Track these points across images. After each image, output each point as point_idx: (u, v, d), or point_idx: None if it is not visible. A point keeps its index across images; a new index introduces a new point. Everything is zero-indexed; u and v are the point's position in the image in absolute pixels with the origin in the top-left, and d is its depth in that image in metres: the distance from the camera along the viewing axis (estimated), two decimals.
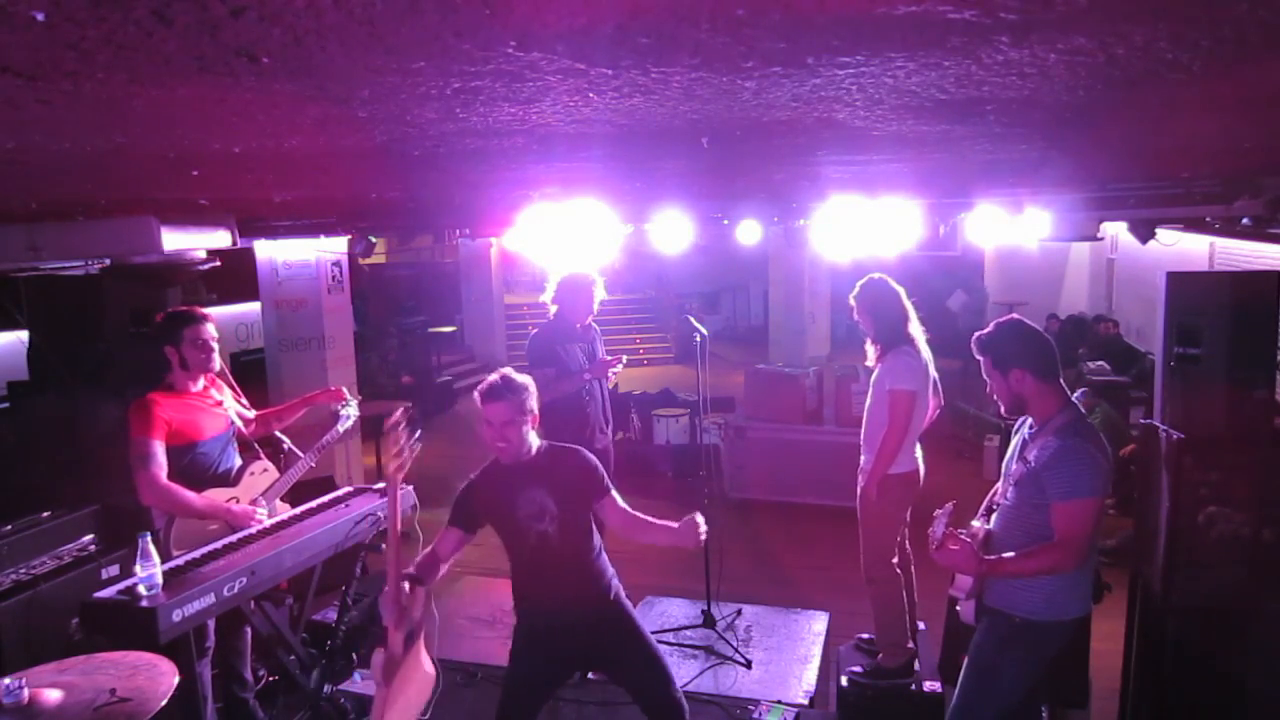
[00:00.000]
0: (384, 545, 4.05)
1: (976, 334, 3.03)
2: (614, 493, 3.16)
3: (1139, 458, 4.12)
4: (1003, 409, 3.06)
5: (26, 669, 2.46)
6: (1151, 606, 3.85)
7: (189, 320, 3.72)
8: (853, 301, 4.23)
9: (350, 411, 4.38)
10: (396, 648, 2.88)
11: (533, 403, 3.04)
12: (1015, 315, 3.10)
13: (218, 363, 3.83)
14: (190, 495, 3.61)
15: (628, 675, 3.20)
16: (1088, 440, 2.81)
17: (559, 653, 3.12)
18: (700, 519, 3.08)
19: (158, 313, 5.39)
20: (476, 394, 3.05)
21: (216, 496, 3.73)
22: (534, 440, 3.10)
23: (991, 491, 3.20)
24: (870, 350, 4.25)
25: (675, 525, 3.11)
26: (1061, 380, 2.98)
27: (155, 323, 3.87)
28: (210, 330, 3.76)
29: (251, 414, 4.05)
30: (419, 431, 2.96)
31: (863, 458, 4.21)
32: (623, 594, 3.23)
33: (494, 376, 3.05)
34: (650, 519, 3.20)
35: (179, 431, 3.64)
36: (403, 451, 2.87)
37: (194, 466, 3.69)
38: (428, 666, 3.08)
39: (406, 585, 2.91)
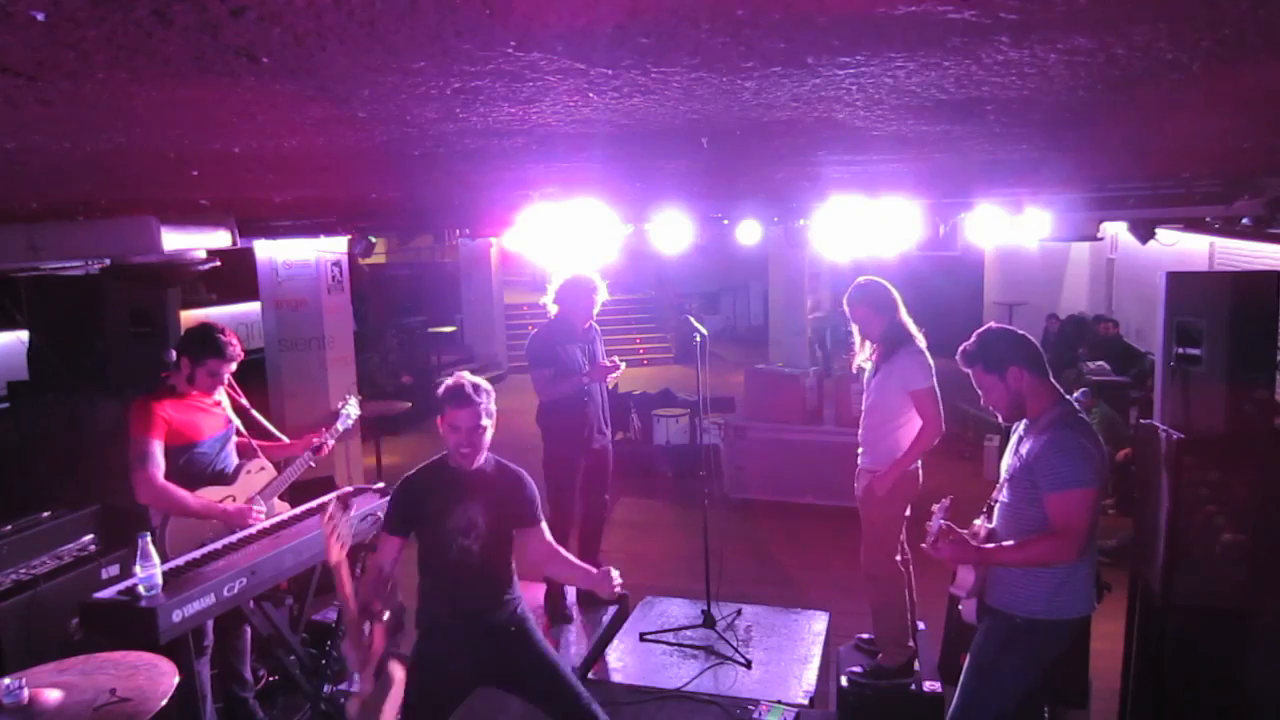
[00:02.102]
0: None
1: (961, 348, 3.04)
2: (543, 524, 3.17)
3: (1139, 458, 4.12)
4: (1001, 417, 3.05)
5: (26, 669, 2.46)
6: (1151, 606, 3.85)
7: (218, 354, 3.68)
8: (847, 306, 4.22)
9: (350, 411, 4.38)
10: (368, 687, 2.87)
11: (494, 407, 3.04)
12: (993, 323, 3.14)
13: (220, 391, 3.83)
14: (185, 495, 3.61)
15: (531, 691, 3.19)
16: (1077, 431, 2.83)
17: (462, 667, 3.09)
18: (615, 573, 3.08)
19: (159, 311, 5.44)
20: (441, 398, 2.99)
21: (213, 495, 3.73)
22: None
23: (995, 490, 3.20)
24: (865, 351, 4.25)
25: (594, 571, 3.15)
26: (1051, 377, 2.99)
27: (190, 328, 3.83)
28: (231, 368, 3.76)
29: (239, 422, 4.03)
30: (350, 513, 2.97)
31: (861, 457, 4.22)
32: (528, 613, 3.22)
33: (457, 380, 3.01)
34: (570, 558, 3.25)
35: (178, 431, 3.64)
36: (340, 535, 2.87)
37: (192, 466, 3.70)
38: (398, 673, 3.08)
39: (365, 627, 2.88)
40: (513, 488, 3.12)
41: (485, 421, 2.98)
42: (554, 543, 3.20)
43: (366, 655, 2.86)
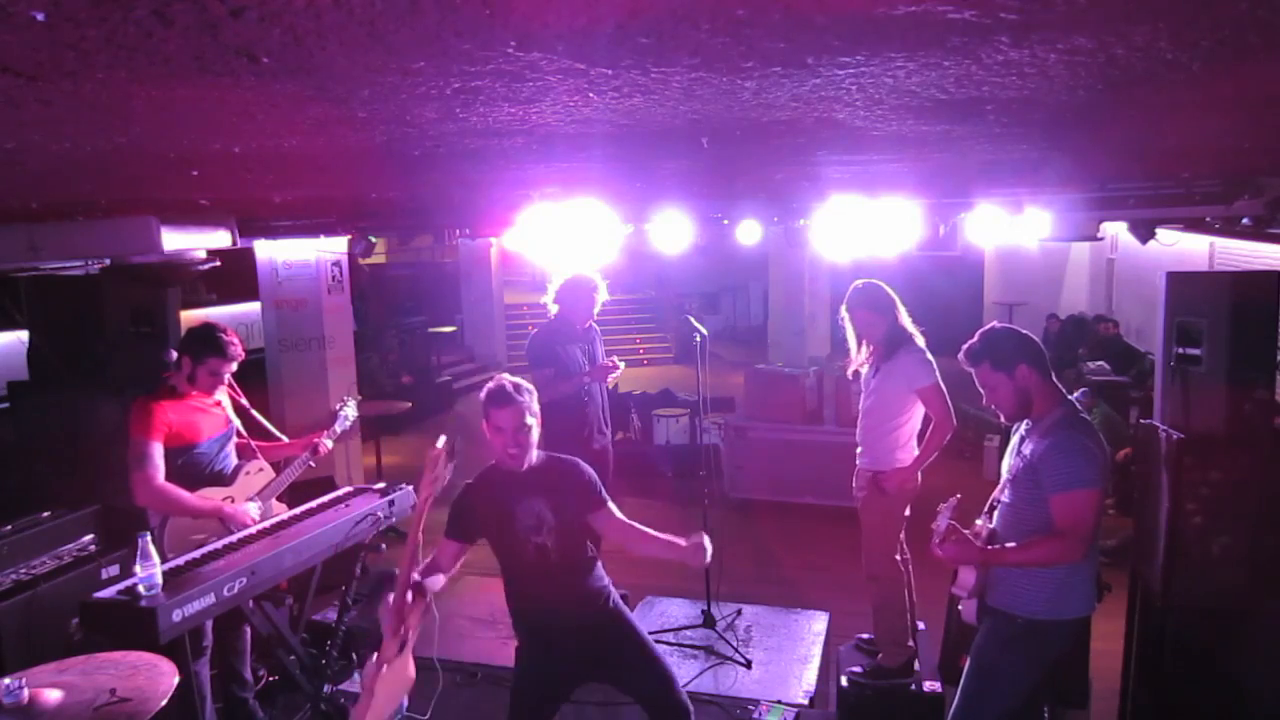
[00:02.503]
0: (384, 546, 4.08)
1: (965, 346, 3.03)
2: (610, 504, 3.11)
3: (1139, 458, 4.12)
4: (1004, 416, 3.04)
5: (26, 669, 2.46)
6: (1151, 606, 3.85)
7: (219, 353, 3.68)
8: (846, 311, 4.20)
9: (348, 412, 4.38)
10: (390, 655, 2.88)
11: (536, 406, 3.03)
12: (996, 323, 3.13)
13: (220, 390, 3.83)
14: (184, 495, 3.61)
15: (631, 682, 3.17)
16: (1082, 432, 2.82)
17: (561, 665, 3.10)
18: (708, 540, 2.97)
19: (159, 311, 5.44)
20: (484, 401, 2.99)
21: (212, 496, 3.73)
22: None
23: (996, 490, 3.20)
24: (862, 352, 4.25)
25: (682, 542, 3.00)
26: (1054, 377, 2.99)
27: (191, 328, 3.82)
28: (232, 368, 3.76)
29: (238, 422, 4.03)
30: (455, 462, 2.98)
31: (860, 457, 4.22)
32: (620, 601, 3.21)
33: (498, 382, 3.00)
34: (653, 532, 3.12)
35: (178, 433, 3.64)
36: (439, 479, 2.88)
37: (191, 466, 3.70)
38: (409, 669, 3.09)
39: (409, 595, 2.90)
40: (569, 475, 3.09)
41: (529, 420, 2.96)
42: (629, 520, 3.14)
43: (401, 623, 2.88)
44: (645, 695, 3.12)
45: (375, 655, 2.90)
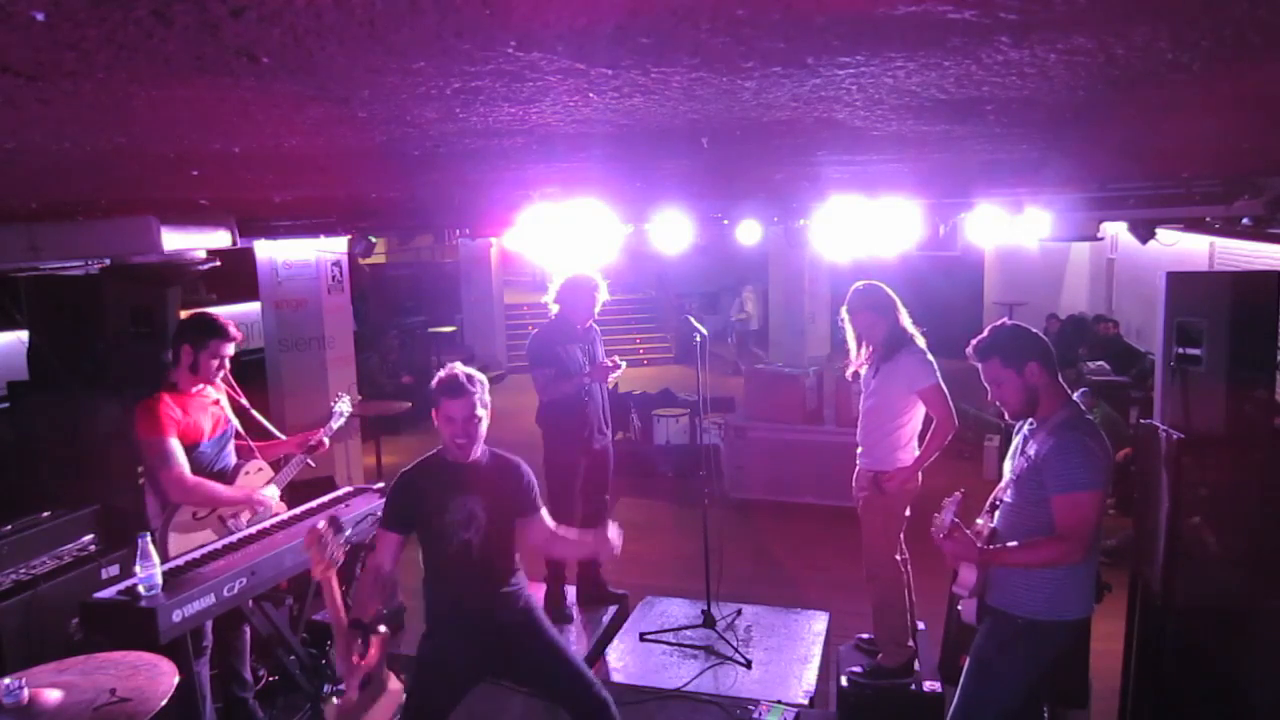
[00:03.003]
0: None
1: (974, 341, 3.03)
2: (542, 512, 3.15)
3: (1139, 458, 4.12)
4: (1009, 413, 3.03)
5: (26, 669, 2.46)
6: (1151, 606, 3.85)
7: (220, 334, 3.72)
8: (846, 313, 4.21)
9: (343, 409, 4.39)
10: (353, 695, 2.88)
11: (488, 397, 3.04)
12: (1007, 319, 3.12)
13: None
14: (218, 487, 3.69)
15: (543, 682, 3.19)
16: (1086, 434, 2.82)
17: (468, 660, 3.08)
18: (613, 528, 3.05)
19: (159, 311, 5.43)
20: (435, 390, 2.99)
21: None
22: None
23: (996, 489, 3.20)
24: (862, 353, 4.25)
25: (589, 540, 3.15)
26: (1060, 378, 2.99)
27: (185, 318, 3.87)
28: (232, 349, 3.80)
29: (238, 422, 4.04)
30: (345, 534, 3.00)
31: (860, 458, 4.22)
32: (534, 603, 3.21)
33: (450, 372, 3.01)
34: (569, 535, 3.24)
35: (183, 432, 3.66)
36: (330, 555, 2.88)
37: (193, 466, 3.70)
38: (392, 684, 3.09)
39: (357, 645, 2.89)
40: (511, 477, 3.10)
41: (480, 412, 2.97)
42: (553, 526, 3.17)
43: (354, 666, 2.87)
44: (559, 694, 3.15)
45: (334, 705, 2.90)
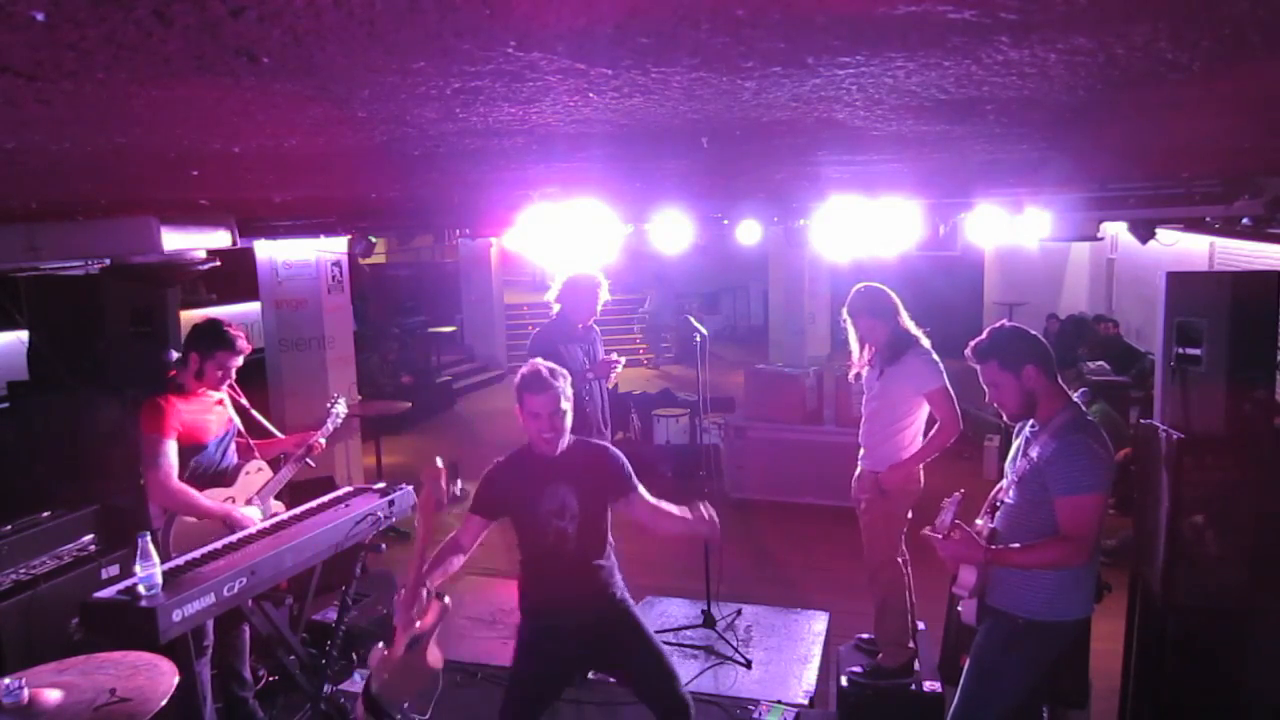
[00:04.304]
0: (384, 546, 4.11)
1: (973, 343, 3.03)
2: (640, 488, 3.14)
3: (1139, 458, 4.12)
4: (1007, 415, 3.03)
5: (26, 669, 2.46)
6: (1151, 606, 3.85)
7: (228, 346, 3.72)
8: (849, 315, 4.21)
9: (339, 409, 4.40)
10: (399, 650, 2.90)
11: (570, 390, 3.04)
12: (1006, 321, 3.13)
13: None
14: (198, 497, 3.65)
15: (634, 676, 3.18)
16: (1089, 436, 2.82)
17: (564, 652, 3.11)
18: (706, 506, 3.07)
19: (159, 311, 5.43)
20: (519, 386, 3.01)
21: (214, 496, 3.75)
22: None
23: (995, 490, 3.20)
24: (864, 355, 4.25)
25: (690, 516, 3.10)
26: (1060, 379, 2.99)
27: (197, 324, 3.86)
28: (239, 363, 3.80)
29: (239, 422, 4.04)
30: (456, 482, 3.05)
31: (862, 456, 4.21)
32: (628, 595, 3.22)
33: (533, 367, 3.02)
34: (673, 509, 3.18)
35: (187, 433, 3.67)
36: (439, 498, 2.95)
37: (197, 466, 3.74)
38: (434, 662, 3.11)
39: (424, 593, 2.93)
40: (600, 461, 3.11)
41: (565, 405, 2.98)
42: (654, 501, 3.17)
43: (410, 623, 2.91)
44: (647, 690, 3.13)
45: (379, 648, 2.94)
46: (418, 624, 2.96)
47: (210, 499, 3.71)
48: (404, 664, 2.94)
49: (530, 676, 3.10)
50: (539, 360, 3.06)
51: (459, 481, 3.04)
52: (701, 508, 3.06)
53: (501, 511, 3.10)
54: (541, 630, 3.12)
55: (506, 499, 3.08)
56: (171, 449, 3.59)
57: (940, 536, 2.94)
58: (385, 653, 2.95)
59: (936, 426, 4.00)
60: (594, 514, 3.05)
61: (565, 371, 3.05)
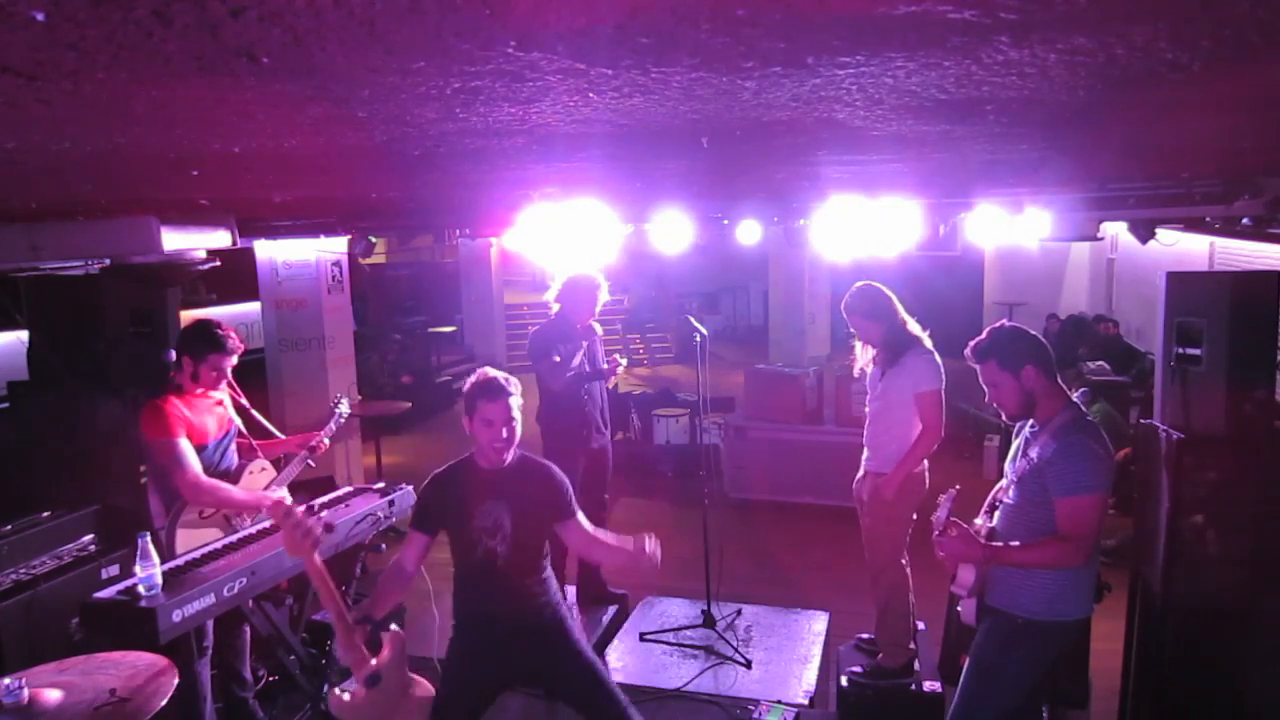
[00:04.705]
0: (384, 546, 4.10)
1: (973, 342, 3.03)
2: (579, 515, 3.10)
3: (1139, 458, 4.12)
4: (1006, 415, 3.03)
5: (26, 669, 2.47)
6: (1151, 606, 3.85)
7: (219, 348, 3.70)
8: (845, 314, 4.22)
9: (342, 409, 4.41)
10: (359, 693, 2.83)
11: (521, 400, 3.01)
12: (1006, 321, 3.13)
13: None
14: (233, 490, 3.70)
15: (569, 693, 3.15)
16: (1089, 436, 2.82)
17: (490, 667, 3.06)
18: (650, 542, 2.99)
19: (159, 311, 5.43)
20: (470, 393, 2.96)
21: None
22: None
23: (994, 490, 3.20)
24: (865, 355, 4.25)
25: (629, 547, 3.04)
26: (1060, 380, 2.99)
27: (186, 327, 3.85)
28: (233, 362, 3.78)
29: (240, 422, 4.04)
30: (323, 517, 2.97)
31: (866, 458, 4.21)
32: (564, 612, 3.17)
33: (485, 375, 2.98)
34: (608, 539, 3.17)
35: (189, 434, 3.67)
36: (309, 534, 2.85)
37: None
38: (419, 689, 3.04)
39: (358, 639, 2.85)
40: (541, 482, 3.06)
41: (517, 414, 2.94)
42: (591, 529, 3.13)
43: (359, 661, 2.83)
44: (582, 705, 3.10)
45: (334, 694, 2.85)
46: (372, 661, 2.85)
47: (248, 491, 3.79)
48: (371, 705, 2.86)
49: (457, 689, 3.04)
50: (489, 369, 3.02)
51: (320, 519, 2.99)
52: (646, 540, 2.99)
53: (439, 525, 3.04)
54: (469, 644, 3.08)
55: (443, 512, 3.03)
56: (187, 447, 3.60)
57: (936, 533, 2.94)
58: (344, 697, 2.81)
59: (919, 431, 3.99)
60: (528, 535, 3.00)
61: (517, 381, 3.00)
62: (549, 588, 3.14)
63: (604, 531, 3.19)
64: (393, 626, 2.98)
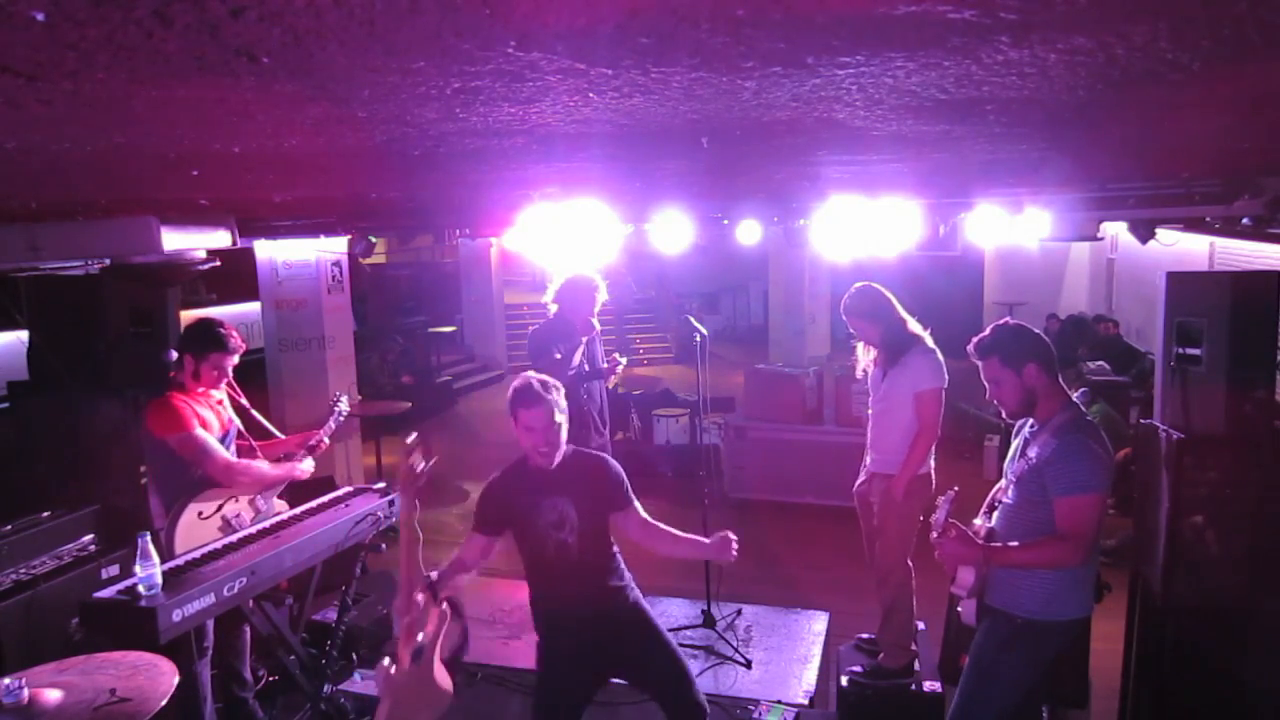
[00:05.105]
0: (384, 546, 4.11)
1: (975, 339, 3.03)
2: (636, 504, 3.10)
3: (1139, 458, 4.12)
4: (1006, 412, 3.03)
5: (26, 669, 2.46)
6: (1151, 606, 3.85)
7: (220, 347, 3.73)
8: (844, 315, 4.23)
9: (342, 408, 4.41)
10: (403, 661, 2.85)
11: (564, 402, 3.01)
12: (1009, 319, 3.13)
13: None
14: (265, 467, 3.81)
15: (651, 678, 3.16)
16: (1089, 436, 2.82)
17: (585, 661, 3.08)
18: (731, 536, 3.02)
19: (159, 311, 5.44)
20: (512, 401, 2.96)
21: (217, 496, 3.77)
22: None
23: (993, 490, 3.20)
24: (867, 356, 4.25)
25: (706, 541, 3.06)
26: (1061, 379, 2.99)
27: (189, 325, 3.87)
28: (234, 362, 3.81)
29: (239, 422, 4.05)
30: (431, 459, 3.00)
31: (868, 459, 4.21)
32: (641, 599, 3.20)
33: (525, 380, 2.97)
34: (677, 533, 3.15)
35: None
36: (415, 474, 2.90)
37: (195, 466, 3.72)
38: (443, 682, 3.04)
39: (420, 597, 2.89)
40: (597, 473, 3.07)
41: (559, 418, 2.93)
42: (652, 520, 3.13)
43: (410, 631, 2.86)
44: (665, 693, 3.11)
45: (383, 661, 2.88)
46: (419, 635, 2.90)
47: (276, 465, 3.93)
48: (411, 680, 2.88)
49: (554, 690, 3.07)
50: (531, 373, 3.02)
51: (433, 459, 2.98)
52: (728, 536, 3.02)
53: (503, 526, 3.07)
54: (557, 643, 3.09)
55: (506, 514, 3.05)
56: (208, 435, 3.64)
57: (936, 534, 2.94)
58: (390, 670, 2.85)
59: (917, 432, 3.99)
60: (595, 524, 3.02)
61: (558, 383, 3.00)
62: (625, 578, 3.16)
63: (662, 524, 3.16)
64: (445, 605, 2.98)
